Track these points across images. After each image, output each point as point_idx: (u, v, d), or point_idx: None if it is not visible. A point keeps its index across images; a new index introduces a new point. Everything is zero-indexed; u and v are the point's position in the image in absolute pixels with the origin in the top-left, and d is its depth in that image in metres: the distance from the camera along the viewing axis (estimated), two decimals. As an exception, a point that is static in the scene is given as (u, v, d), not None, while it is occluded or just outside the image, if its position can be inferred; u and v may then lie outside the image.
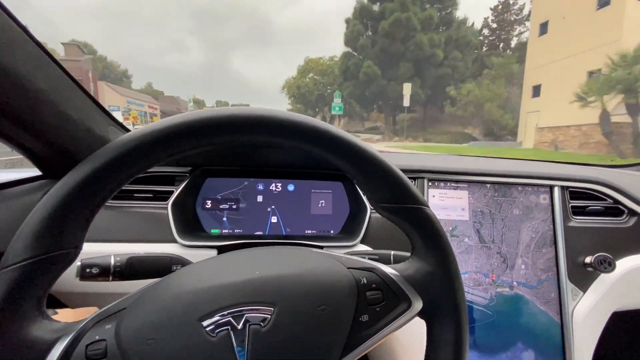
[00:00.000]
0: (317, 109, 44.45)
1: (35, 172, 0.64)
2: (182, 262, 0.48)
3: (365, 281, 0.36)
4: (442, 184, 0.83)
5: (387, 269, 0.38)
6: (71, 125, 0.57)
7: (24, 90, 0.47)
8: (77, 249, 0.33)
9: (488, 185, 0.83)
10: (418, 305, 0.36)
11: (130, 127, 0.67)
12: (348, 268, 0.37)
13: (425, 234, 0.38)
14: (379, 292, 0.36)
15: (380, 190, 0.38)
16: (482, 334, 0.76)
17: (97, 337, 0.31)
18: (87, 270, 0.44)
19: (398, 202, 0.37)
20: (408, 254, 0.53)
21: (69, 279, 0.43)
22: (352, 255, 0.41)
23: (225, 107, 0.34)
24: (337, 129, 0.36)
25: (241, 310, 0.31)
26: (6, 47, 0.43)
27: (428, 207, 0.38)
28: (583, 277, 0.78)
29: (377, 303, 0.35)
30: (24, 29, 0.47)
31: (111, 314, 0.33)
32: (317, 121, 0.36)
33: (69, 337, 0.31)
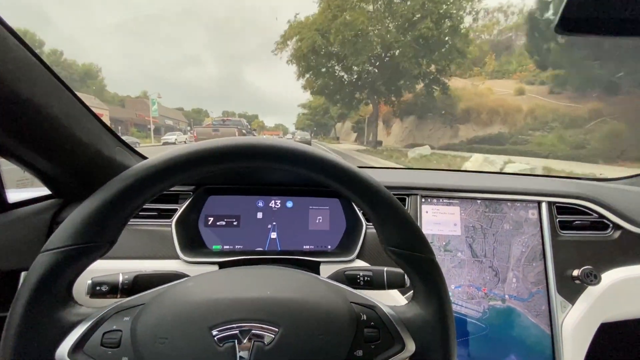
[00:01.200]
0: (356, 96, 21.31)
1: (45, 191, 0.66)
2: None
3: (364, 317, 0.38)
4: (434, 200, 0.86)
5: (387, 309, 0.40)
6: (82, 148, 0.60)
7: (40, 117, 0.50)
8: (112, 243, 0.37)
9: (479, 201, 0.86)
10: (411, 348, 0.38)
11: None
12: (351, 302, 0.39)
13: (428, 284, 0.40)
14: (376, 330, 0.38)
15: (392, 234, 0.40)
16: (476, 346, 0.78)
17: (114, 327, 0.34)
18: (97, 288, 0.47)
19: (407, 248, 0.40)
20: (401, 271, 0.56)
21: (78, 296, 0.45)
22: (363, 290, 0.43)
23: (258, 138, 0.38)
24: (359, 169, 0.39)
25: (249, 326, 0.34)
26: (25, 79, 0.47)
27: (435, 258, 0.41)
28: (571, 290, 0.81)
29: (373, 341, 0.37)
30: (38, 58, 0.50)
31: (130, 307, 0.36)
32: (340, 159, 0.39)
33: (89, 323, 0.34)
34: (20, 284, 0.33)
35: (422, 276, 0.40)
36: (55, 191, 0.67)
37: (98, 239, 0.35)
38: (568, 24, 0.46)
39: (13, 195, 0.62)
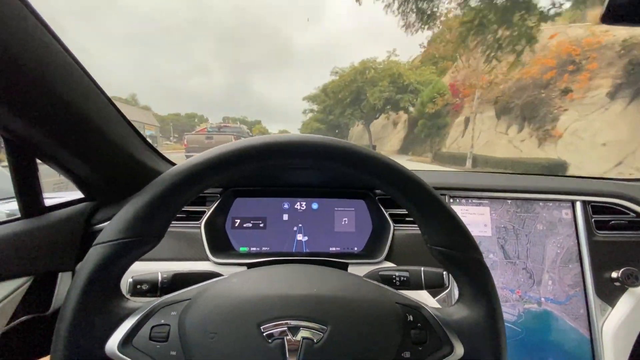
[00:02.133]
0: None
1: (78, 194, 0.67)
2: None
3: (411, 318, 0.37)
4: (463, 200, 0.85)
5: (434, 311, 0.39)
6: (115, 151, 0.61)
7: (78, 121, 0.51)
8: (160, 237, 0.37)
9: (509, 201, 0.84)
10: (460, 351, 0.37)
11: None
12: (396, 302, 0.38)
13: (477, 285, 0.39)
14: (423, 332, 0.37)
15: (438, 233, 0.39)
16: (512, 351, 0.76)
17: (162, 321, 0.34)
18: (138, 286, 0.47)
19: (454, 248, 0.38)
20: (440, 270, 0.55)
21: None
22: (400, 290, 0.42)
23: (306, 135, 0.37)
24: (406, 168, 0.39)
25: (297, 324, 0.34)
26: (66, 83, 0.48)
27: (482, 258, 0.39)
28: (611, 292, 0.78)
29: (421, 343, 0.36)
30: (78, 63, 0.51)
31: (177, 302, 0.36)
32: (390, 159, 0.38)
33: (138, 316, 0.34)
34: (73, 277, 0.33)
35: (470, 277, 0.39)
36: (88, 194, 0.68)
37: (148, 233, 0.35)
38: (615, 15, 0.45)
39: (48, 199, 0.63)
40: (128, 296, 0.46)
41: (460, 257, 0.38)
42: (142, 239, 0.35)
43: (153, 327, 0.34)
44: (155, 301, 0.36)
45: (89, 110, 0.52)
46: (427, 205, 0.38)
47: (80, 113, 0.50)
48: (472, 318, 0.38)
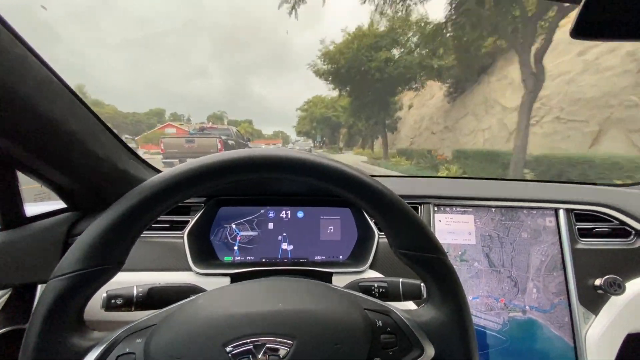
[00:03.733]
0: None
1: (61, 204, 0.67)
2: (200, 292, 0.50)
3: (380, 324, 0.38)
4: (448, 208, 0.85)
5: (402, 314, 0.39)
6: (97, 162, 0.61)
7: (58, 133, 0.51)
8: (121, 264, 0.37)
9: (494, 209, 0.85)
10: (430, 352, 0.37)
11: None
12: (365, 309, 0.39)
13: (443, 284, 0.39)
14: (393, 336, 0.37)
15: (401, 237, 0.40)
16: (496, 360, 0.76)
17: (127, 350, 0.34)
18: (112, 301, 0.46)
19: (418, 250, 0.39)
20: (417, 281, 0.55)
21: (94, 309, 0.45)
22: (369, 297, 0.42)
23: (262, 149, 0.38)
24: (365, 174, 0.39)
25: (263, 340, 0.33)
26: (45, 96, 0.48)
27: (446, 258, 0.40)
28: (594, 300, 0.78)
29: (390, 347, 0.37)
30: (57, 76, 0.52)
31: (142, 329, 0.35)
32: (346, 166, 0.38)
33: (102, 347, 0.33)
34: (33, 309, 0.33)
35: (435, 277, 0.40)
36: (71, 204, 0.67)
37: (106, 261, 0.35)
38: (584, 29, 0.45)
39: (30, 209, 0.62)
40: (102, 310, 0.46)
41: (424, 258, 0.39)
42: (100, 268, 0.34)
43: (118, 356, 0.33)
44: (119, 330, 0.35)
45: (68, 121, 0.52)
46: (389, 210, 0.39)
47: (58, 124, 0.50)
48: (440, 318, 0.39)
